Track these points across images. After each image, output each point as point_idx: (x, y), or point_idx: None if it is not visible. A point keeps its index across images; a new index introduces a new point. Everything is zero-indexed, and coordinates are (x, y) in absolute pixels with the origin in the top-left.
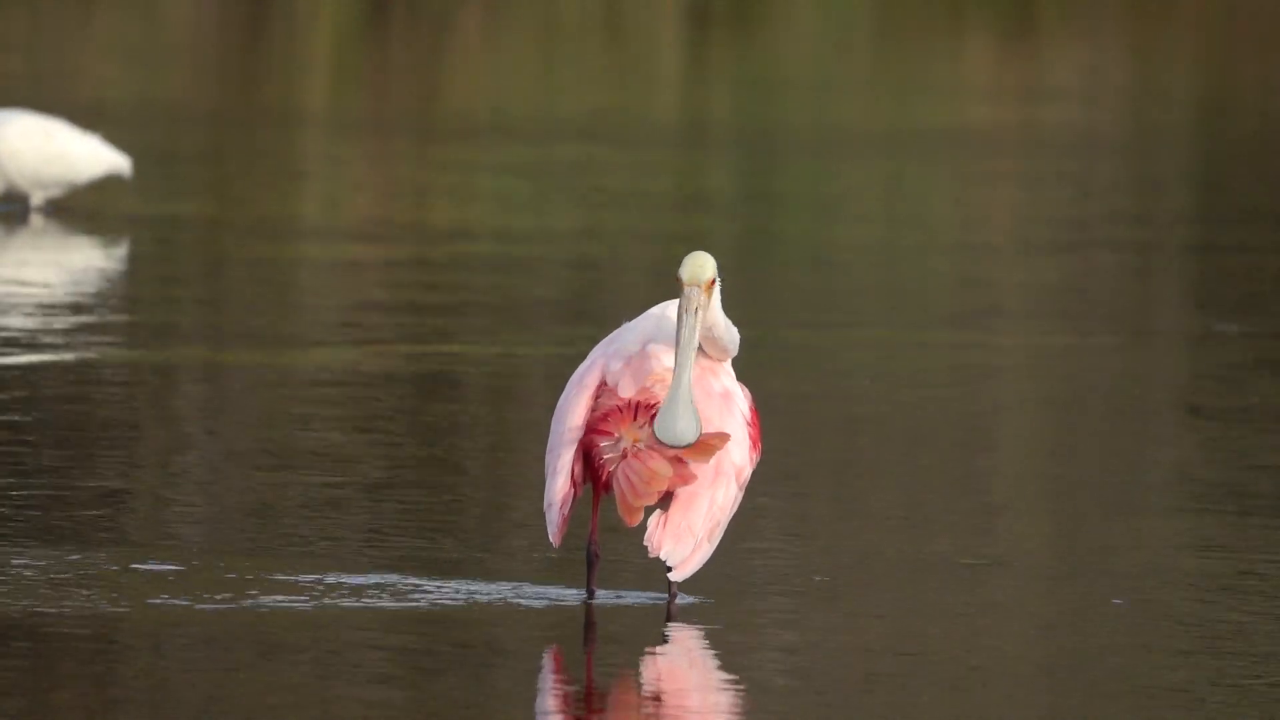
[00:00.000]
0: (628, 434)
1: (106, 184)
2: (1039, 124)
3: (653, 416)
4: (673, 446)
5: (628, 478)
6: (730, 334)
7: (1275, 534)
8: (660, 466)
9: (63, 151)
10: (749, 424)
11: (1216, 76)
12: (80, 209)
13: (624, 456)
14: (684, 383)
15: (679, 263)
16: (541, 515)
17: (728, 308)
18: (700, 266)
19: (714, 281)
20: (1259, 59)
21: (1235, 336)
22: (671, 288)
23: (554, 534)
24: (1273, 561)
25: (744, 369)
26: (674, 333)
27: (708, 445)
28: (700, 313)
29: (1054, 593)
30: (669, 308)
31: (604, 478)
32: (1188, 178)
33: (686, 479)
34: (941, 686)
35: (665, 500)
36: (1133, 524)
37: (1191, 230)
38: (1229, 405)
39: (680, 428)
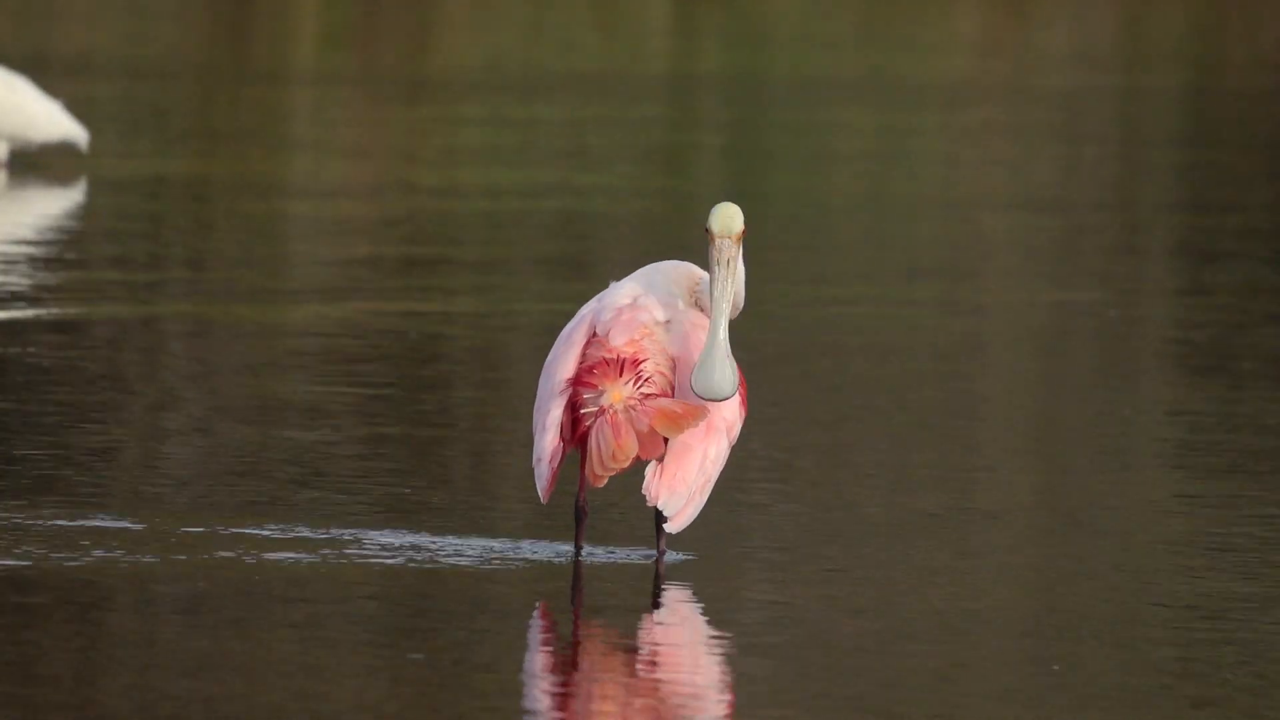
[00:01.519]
0: (611, 390)
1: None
2: (1028, 80)
3: (638, 375)
4: (711, 400)
5: (597, 444)
6: (742, 291)
7: (1262, 489)
8: (628, 444)
9: (21, 105)
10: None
11: (1205, 34)
12: (62, 165)
13: (600, 414)
14: (720, 336)
15: (669, 219)
16: (529, 471)
17: None
18: (730, 218)
19: (744, 233)
20: (1248, 18)
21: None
22: (662, 245)
23: (542, 490)
24: (1259, 516)
25: (732, 324)
26: (665, 288)
27: (680, 420)
28: (733, 265)
29: (1041, 548)
30: (659, 265)
31: (581, 430)
32: (1176, 134)
33: (651, 455)
34: (928, 643)
35: (642, 463)
36: (1120, 479)
37: (1179, 186)
38: (1216, 361)
39: (716, 380)
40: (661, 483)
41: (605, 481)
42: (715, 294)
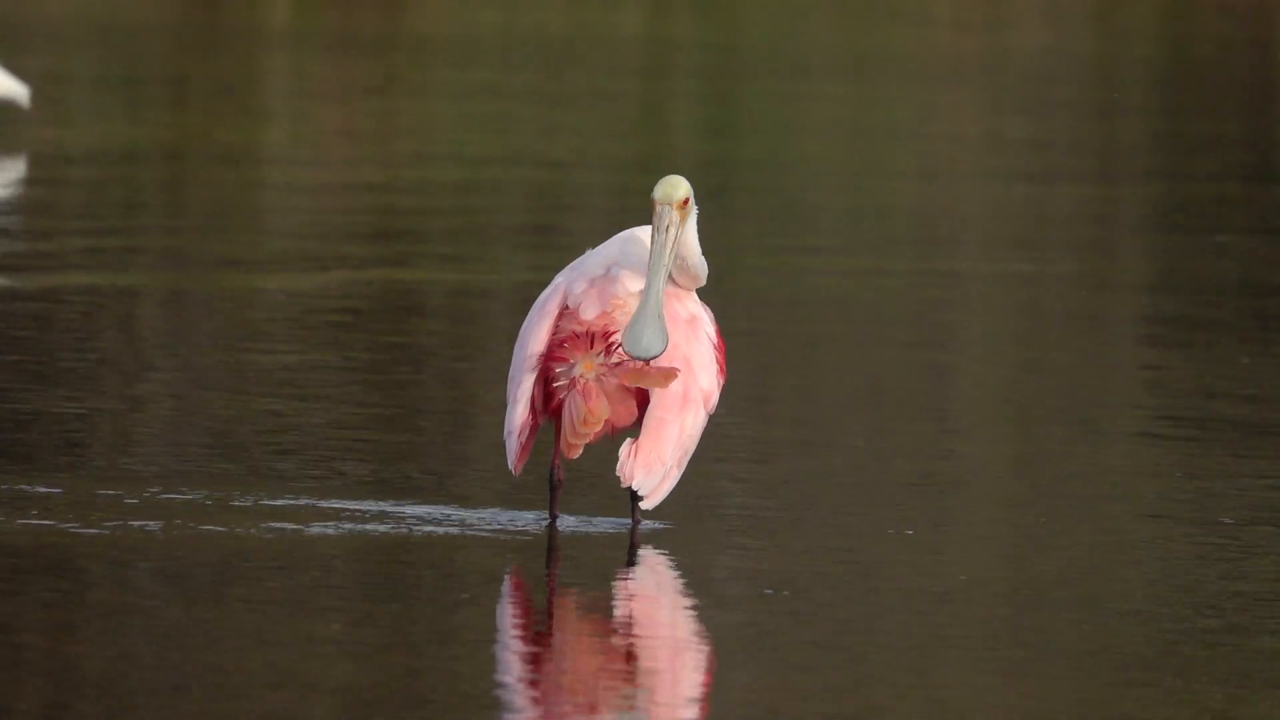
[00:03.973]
0: (582, 361)
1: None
2: (1002, 51)
3: (609, 345)
4: (640, 359)
5: (569, 413)
6: (701, 262)
7: (1235, 459)
8: (599, 408)
9: None
10: (715, 348)
11: (1178, 3)
12: (38, 134)
13: (572, 386)
14: (653, 297)
15: (643, 188)
16: (503, 441)
17: None
18: (673, 186)
19: (687, 201)
20: None
21: None
22: (635, 214)
23: (513, 462)
24: (1231, 485)
25: (706, 295)
26: (639, 257)
27: (656, 375)
28: (672, 231)
29: (1015, 516)
30: (634, 233)
31: (555, 404)
32: (1149, 104)
33: (623, 422)
34: (903, 613)
35: (627, 431)
36: (1093, 448)
37: (1152, 157)
38: (1189, 329)
39: (646, 340)
40: (636, 462)
41: (580, 452)
42: (653, 258)
